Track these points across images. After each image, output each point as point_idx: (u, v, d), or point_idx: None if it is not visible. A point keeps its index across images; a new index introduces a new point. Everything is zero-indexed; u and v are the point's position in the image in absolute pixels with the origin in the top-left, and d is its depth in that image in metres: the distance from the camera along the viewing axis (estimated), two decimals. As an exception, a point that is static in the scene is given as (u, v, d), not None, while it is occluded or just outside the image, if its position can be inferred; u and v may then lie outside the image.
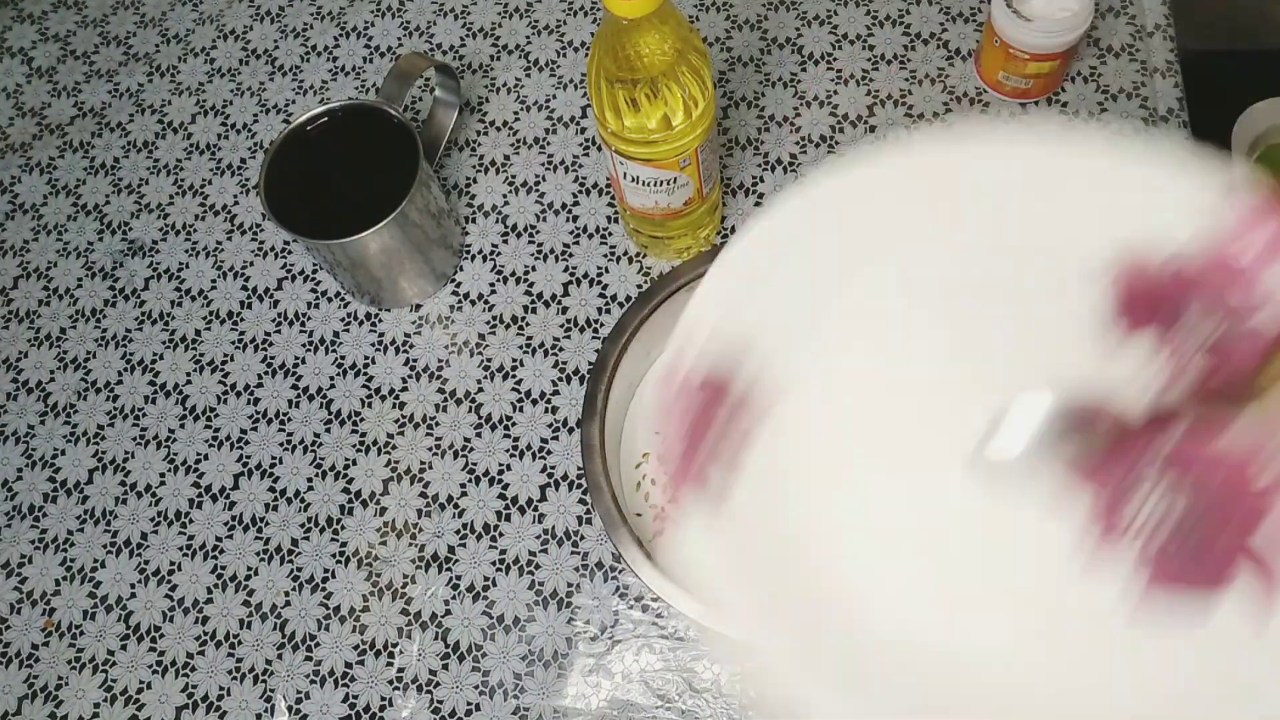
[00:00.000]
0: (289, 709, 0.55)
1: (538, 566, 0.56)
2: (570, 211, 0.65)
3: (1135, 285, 0.33)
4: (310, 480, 0.60)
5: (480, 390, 0.61)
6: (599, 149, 0.67)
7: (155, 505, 0.61)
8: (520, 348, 0.62)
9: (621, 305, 0.62)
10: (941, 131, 0.50)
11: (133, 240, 0.69)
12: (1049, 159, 0.35)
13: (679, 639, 0.54)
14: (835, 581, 0.33)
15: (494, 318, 0.63)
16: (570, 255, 0.64)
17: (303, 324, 0.65)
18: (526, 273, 0.64)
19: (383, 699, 0.55)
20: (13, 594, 0.60)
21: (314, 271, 0.66)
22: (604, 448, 0.50)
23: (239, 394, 0.63)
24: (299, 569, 0.58)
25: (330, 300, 0.65)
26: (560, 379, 0.61)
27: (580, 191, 0.66)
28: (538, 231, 0.65)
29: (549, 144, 0.68)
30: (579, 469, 0.58)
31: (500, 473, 0.59)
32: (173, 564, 0.59)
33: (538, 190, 0.66)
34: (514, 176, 0.67)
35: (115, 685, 0.57)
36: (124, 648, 0.58)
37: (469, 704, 0.54)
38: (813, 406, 0.35)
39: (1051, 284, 0.35)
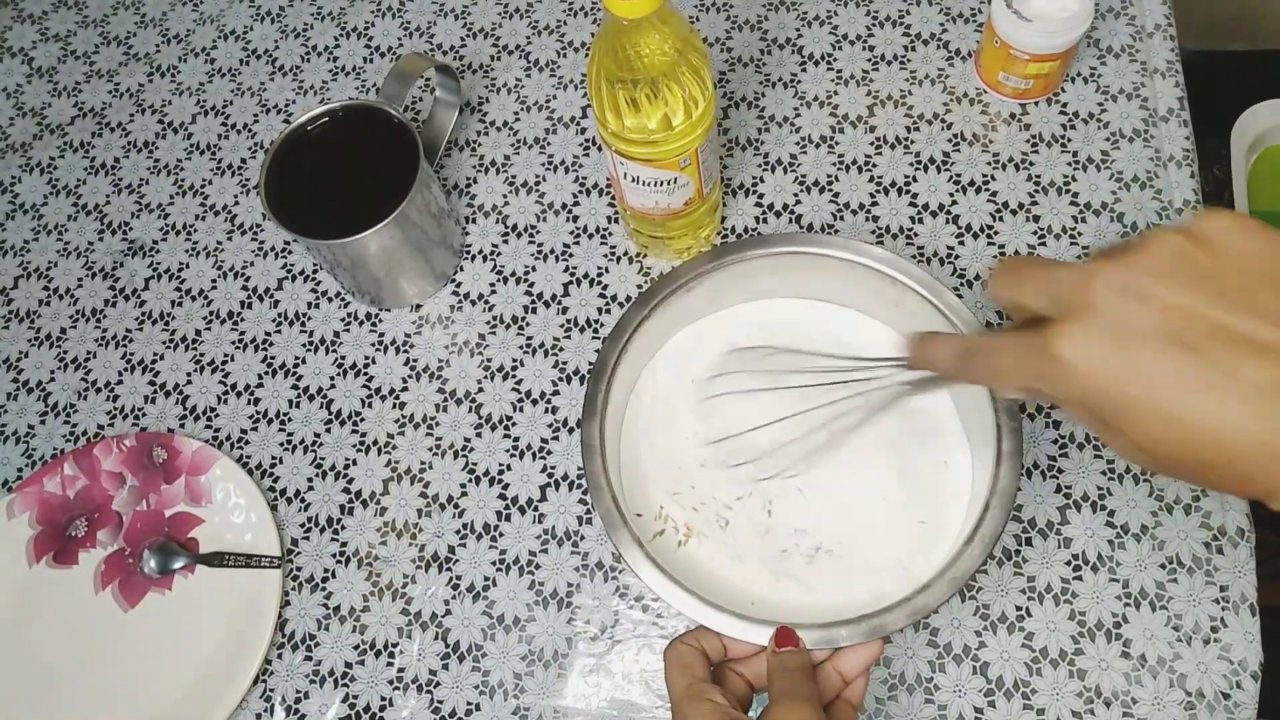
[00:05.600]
0: (288, 709, 0.55)
1: (538, 566, 0.56)
2: (570, 211, 0.65)
3: None
4: (311, 480, 0.60)
5: (480, 390, 0.61)
6: (599, 149, 0.67)
7: (155, 505, 0.61)
8: (520, 348, 0.62)
9: (621, 305, 0.62)
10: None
11: (133, 240, 0.69)
12: None
13: (679, 639, 0.54)
14: None
15: (494, 318, 0.63)
16: (570, 255, 0.64)
17: (303, 324, 0.65)
18: (526, 273, 0.64)
19: (383, 699, 0.55)
20: (13, 594, 0.60)
21: (314, 271, 0.66)
22: (604, 448, 0.50)
23: (239, 394, 0.63)
24: (299, 569, 0.58)
25: (330, 300, 0.65)
26: (560, 379, 0.61)
27: (580, 191, 0.66)
28: (538, 231, 0.65)
29: (549, 144, 0.68)
30: (579, 469, 0.58)
31: (500, 473, 0.59)
32: (173, 564, 0.59)
33: (538, 190, 0.66)
34: (514, 176, 0.67)
35: None
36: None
37: (469, 704, 0.54)
38: None
39: None
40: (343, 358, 0.63)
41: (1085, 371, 0.31)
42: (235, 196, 0.69)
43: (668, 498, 0.53)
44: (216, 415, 0.63)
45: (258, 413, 0.62)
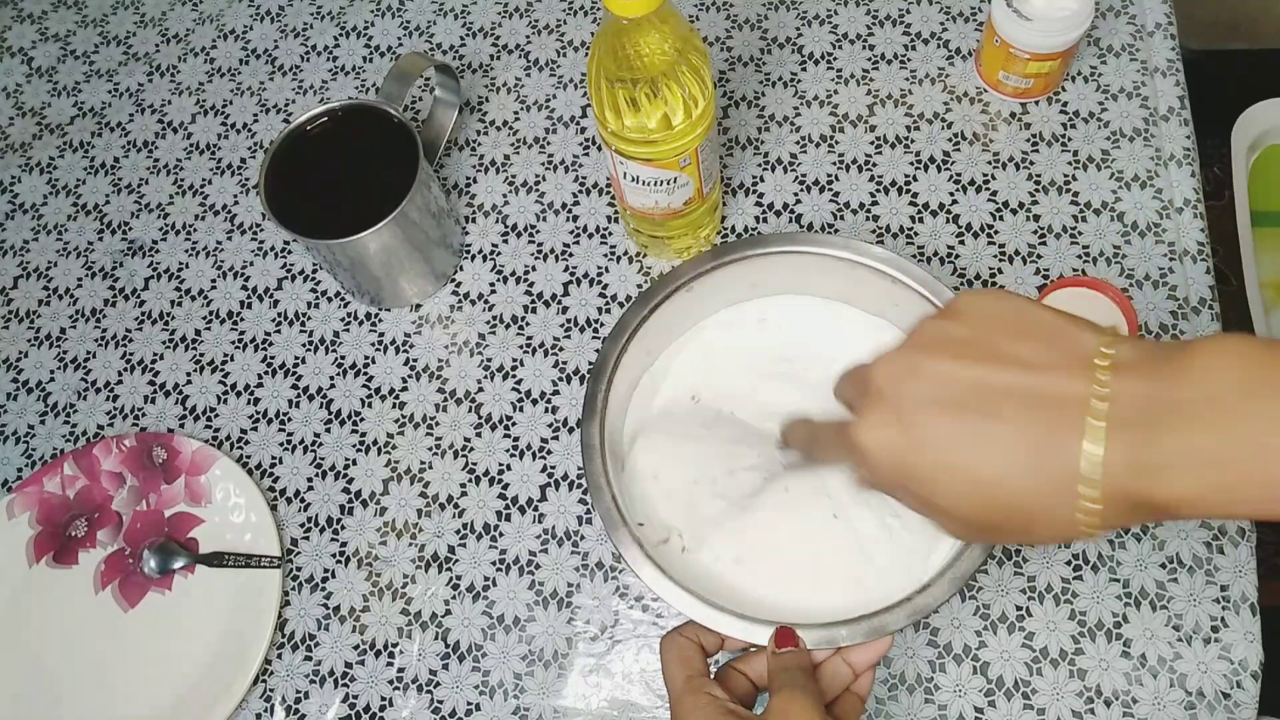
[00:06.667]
0: (288, 709, 0.55)
1: (538, 566, 0.56)
2: (570, 211, 0.65)
3: None
4: (311, 480, 0.60)
5: (480, 390, 0.61)
6: (599, 149, 0.67)
7: (155, 505, 0.61)
8: (520, 348, 0.62)
9: (621, 305, 0.62)
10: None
11: (133, 240, 0.69)
12: None
13: (679, 639, 0.53)
14: None
15: (494, 318, 0.63)
16: (570, 255, 0.64)
17: (303, 324, 0.65)
18: (526, 273, 0.64)
19: (383, 699, 0.55)
20: (13, 594, 0.60)
21: (314, 271, 0.66)
22: (604, 448, 0.50)
23: (239, 394, 0.63)
24: (299, 569, 0.58)
25: (330, 300, 0.65)
26: (560, 379, 0.61)
27: (580, 191, 0.66)
28: (538, 231, 0.65)
29: (549, 144, 0.68)
30: (579, 469, 0.58)
31: (500, 473, 0.59)
32: (173, 564, 0.59)
33: (538, 190, 0.66)
34: (514, 176, 0.67)
35: None
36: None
37: (469, 704, 0.54)
38: None
39: None
40: (342, 358, 0.63)
41: (882, 452, 0.34)
42: (235, 196, 0.69)
43: (670, 504, 0.53)
44: (216, 415, 0.63)
45: (257, 413, 0.62)
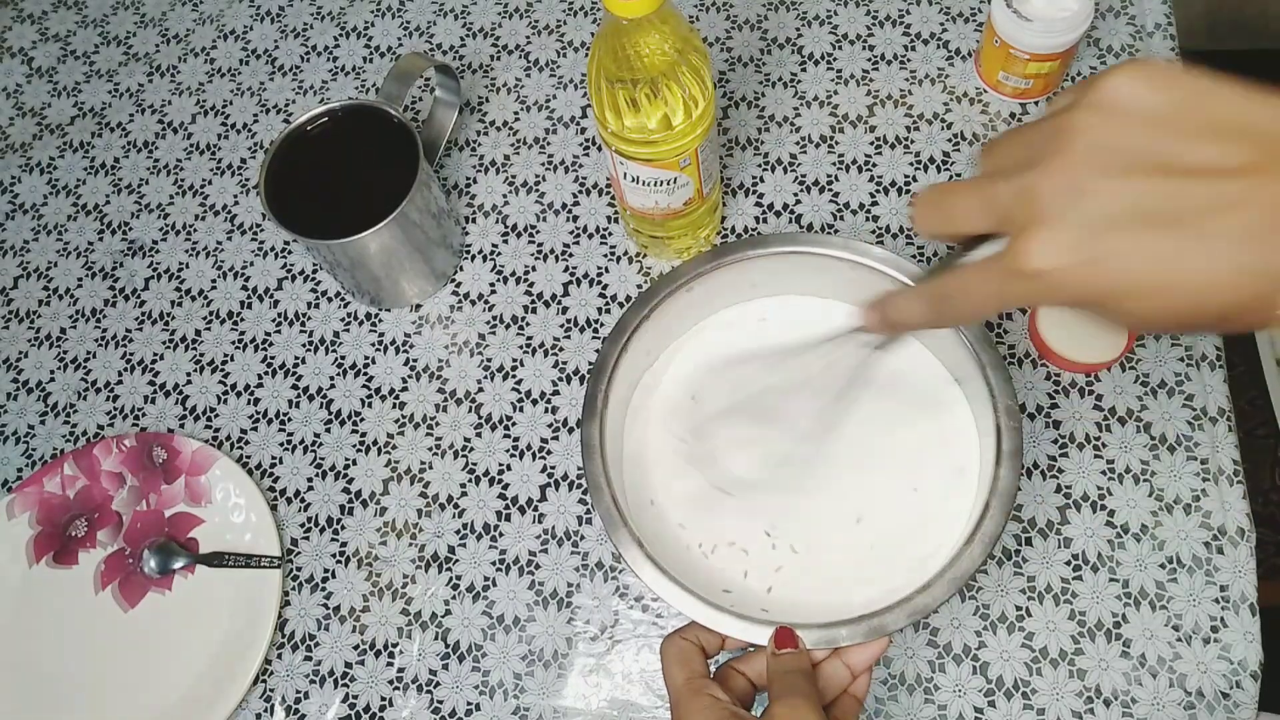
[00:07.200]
0: (288, 709, 0.55)
1: (538, 566, 0.56)
2: (570, 211, 0.65)
3: None
4: (311, 480, 0.60)
5: (480, 390, 0.61)
6: (599, 149, 0.67)
7: (155, 505, 0.61)
8: (520, 348, 0.62)
9: (621, 305, 0.62)
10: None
11: (133, 240, 0.69)
12: None
13: (679, 639, 0.54)
14: None
15: (494, 318, 0.63)
16: (570, 255, 0.64)
17: (303, 324, 0.65)
18: (526, 273, 0.64)
19: (383, 699, 0.55)
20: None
21: (314, 271, 0.66)
22: (604, 448, 0.50)
23: (239, 394, 0.63)
24: (299, 569, 0.58)
25: (330, 300, 0.65)
26: (560, 379, 0.61)
27: (580, 191, 0.66)
28: (538, 231, 0.65)
29: (549, 144, 0.68)
30: (579, 469, 0.58)
31: (500, 473, 0.59)
32: (173, 564, 0.59)
33: (538, 190, 0.66)
34: (514, 176, 0.67)
35: None
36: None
37: (469, 704, 0.54)
38: None
39: None
40: (343, 358, 0.63)
41: (1064, 275, 0.31)
42: (235, 196, 0.69)
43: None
44: (216, 415, 0.63)
45: (257, 413, 0.62)
